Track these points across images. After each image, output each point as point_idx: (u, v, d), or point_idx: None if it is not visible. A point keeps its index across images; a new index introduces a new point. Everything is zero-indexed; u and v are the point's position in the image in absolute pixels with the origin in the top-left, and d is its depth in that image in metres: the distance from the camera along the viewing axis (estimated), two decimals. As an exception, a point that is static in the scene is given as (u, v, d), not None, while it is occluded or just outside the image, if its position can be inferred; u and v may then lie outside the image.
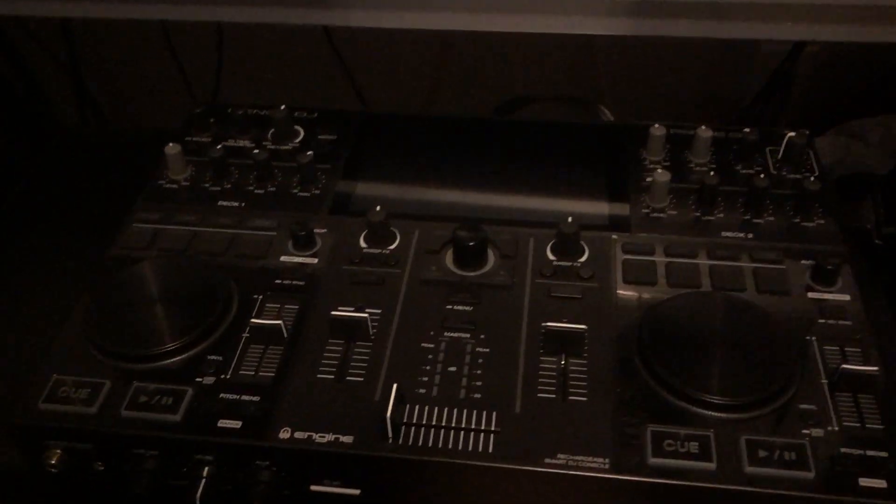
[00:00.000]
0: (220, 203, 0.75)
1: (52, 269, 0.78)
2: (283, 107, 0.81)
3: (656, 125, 0.77)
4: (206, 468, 0.57)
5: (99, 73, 1.29)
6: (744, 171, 0.75)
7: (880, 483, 0.51)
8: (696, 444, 0.54)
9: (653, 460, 0.53)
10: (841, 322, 0.62)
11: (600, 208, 0.73)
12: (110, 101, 1.34)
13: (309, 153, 0.76)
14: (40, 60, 1.27)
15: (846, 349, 0.60)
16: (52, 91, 1.32)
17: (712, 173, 0.72)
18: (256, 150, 0.77)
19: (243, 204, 0.74)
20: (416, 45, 1.18)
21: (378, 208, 0.69)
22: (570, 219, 0.67)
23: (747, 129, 0.76)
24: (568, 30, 0.91)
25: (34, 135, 1.29)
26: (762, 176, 0.71)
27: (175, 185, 0.77)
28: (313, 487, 0.58)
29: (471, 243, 0.66)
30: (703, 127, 0.76)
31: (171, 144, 0.77)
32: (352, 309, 0.63)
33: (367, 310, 0.63)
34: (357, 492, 0.58)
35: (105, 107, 1.33)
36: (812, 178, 0.72)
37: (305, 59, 1.23)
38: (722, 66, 1.16)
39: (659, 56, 1.16)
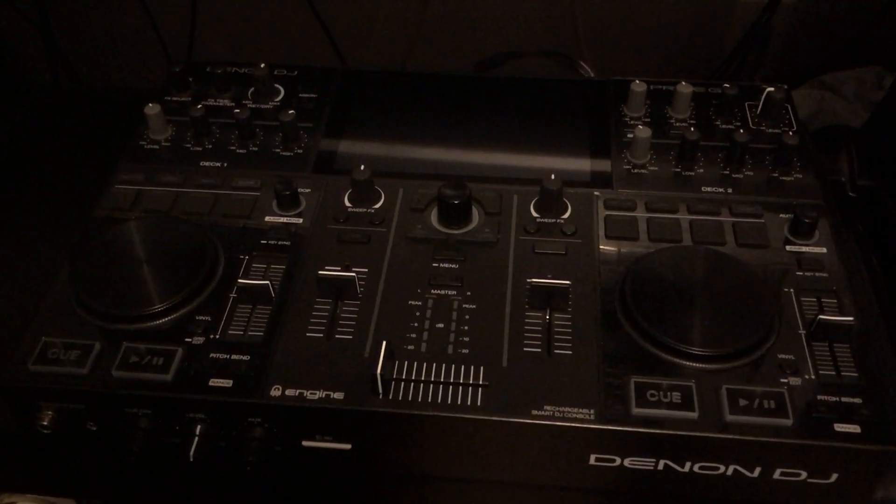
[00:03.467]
0: (202, 163, 0.74)
1: (32, 228, 0.77)
2: (262, 65, 0.80)
3: (637, 81, 0.77)
4: (199, 426, 0.58)
5: (70, 30, 1.27)
6: (723, 127, 0.76)
7: (854, 428, 0.53)
8: (679, 394, 0.55)
9: (637, 410, 0.55)
10: (818, 274, 0.63)
11: (582, 165, 0.74)
12: (82, 58, 1.31)
13: (291, 111, 0.76)
14: (9, 17, 1.23)
15: (823, 300, 0.61)
16: (23, 49, 1.29)
17: (692, 129, 0.73)
18: (237, 110, 0.76)
19: (225, 164, 0.74)
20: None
21: (362, 167, 0.70)
22: (553, 176, 0.68)
23: (727, 85, 0.76)
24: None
25: (6, 94, 1.26)
26: (741, 131, 0.72)
27: (156, 146, 0.76)
28: (305, 443, 0.59)
29: (456, 201, 0.67)
30: (684, 83, 0.77)
31: (150, 104, 0.76)
32: (339, 268, 0.64)
33: (354, 268, 0.64)
34: (348, 446, 0.59)
35: (77, 64, 1.31)
36: (790, 133, 0.73)
37: (281, 14, 1.21)
38: (700, 19, 1.16)
39: (637, 9, 1.16)
